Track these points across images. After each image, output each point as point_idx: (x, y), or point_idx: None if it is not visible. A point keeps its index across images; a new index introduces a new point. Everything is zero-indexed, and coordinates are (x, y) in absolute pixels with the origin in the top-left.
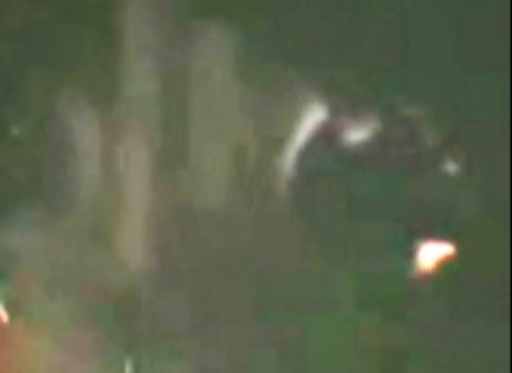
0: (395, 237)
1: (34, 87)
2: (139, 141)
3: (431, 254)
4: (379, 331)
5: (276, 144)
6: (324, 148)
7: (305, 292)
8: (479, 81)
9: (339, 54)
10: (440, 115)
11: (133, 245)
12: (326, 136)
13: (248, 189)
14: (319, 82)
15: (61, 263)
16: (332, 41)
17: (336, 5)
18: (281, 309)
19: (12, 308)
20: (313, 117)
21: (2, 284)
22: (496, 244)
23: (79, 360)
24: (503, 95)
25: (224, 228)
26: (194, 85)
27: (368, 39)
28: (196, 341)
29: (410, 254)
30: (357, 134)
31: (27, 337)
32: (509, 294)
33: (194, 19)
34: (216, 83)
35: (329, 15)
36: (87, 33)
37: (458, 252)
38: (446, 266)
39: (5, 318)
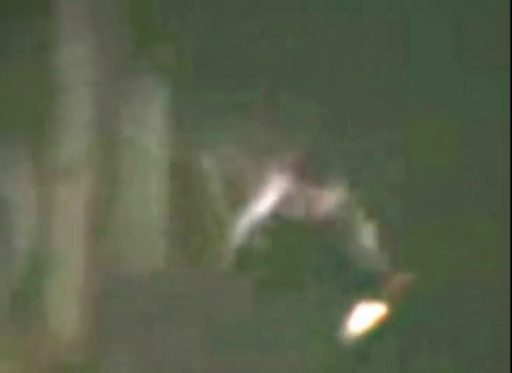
0: (336, 298)
1: None
2: (73, 199)
3: (364, 314)
4: None
5: (219, 207)
6: (279, 217)
7: (252, 349)
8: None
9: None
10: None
11: (66, 314)
12: (283, 206)
13: (186, 252)
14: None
15: None
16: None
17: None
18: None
19: None
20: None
21: None
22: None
23: None
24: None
25: (162, 292)
26: (126, 145)
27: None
28: None
29: (346, 314)
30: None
31: None
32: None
33: (129, 73)
34: (148, 143)
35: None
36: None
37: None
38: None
39: None
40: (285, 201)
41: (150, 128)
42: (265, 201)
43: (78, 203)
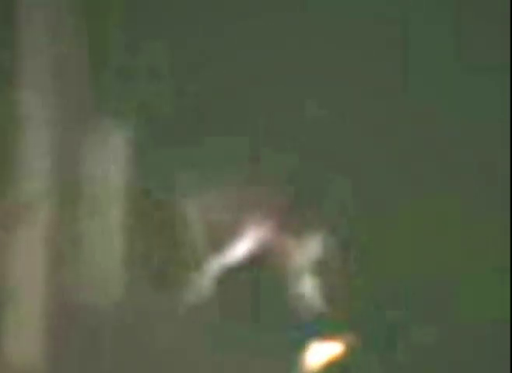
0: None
1: None
2: (32, 236)
3: (320, 352)
4: None
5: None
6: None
7: None
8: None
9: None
10: None
11: (22, 345)
12: (259, 253)
13: (150, 282)
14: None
15: None
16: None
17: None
18: None
19: None
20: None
21: None
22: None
23: None
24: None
25: (125, 321)
26: (87, 187)
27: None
28: None
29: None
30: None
31: None
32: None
33: (93, 111)
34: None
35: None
36: None
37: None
38: None
39: None
40: (262, 249)
41: (113, 165)
42: (241, 248)
43: (38, 238)
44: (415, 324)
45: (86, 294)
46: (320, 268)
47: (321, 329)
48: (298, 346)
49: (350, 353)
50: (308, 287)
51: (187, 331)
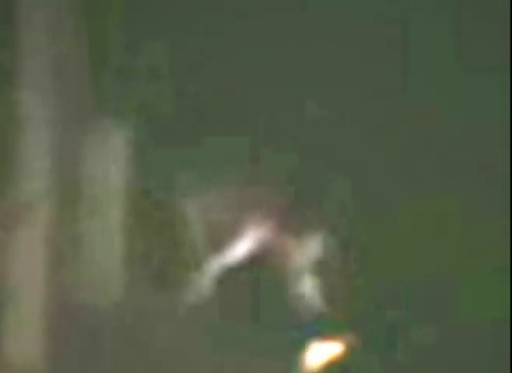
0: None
1: None
2: (32, 236)
3: (320, 352)
4: None
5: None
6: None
7: None
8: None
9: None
10: None
11: (22, 345)
12: (254, 259)
13: (149, 282)
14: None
15: None
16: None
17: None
18: None
19: None
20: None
21: None
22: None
23: None
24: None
25: (125, 321)
26: (87, 186)
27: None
28: None
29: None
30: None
31: None
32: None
33: (93, 111)
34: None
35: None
36: None
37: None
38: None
39: None
40: (262, 249)
41: (113, 165)
42: (241, 248)
43: (38, 238)
44: (415, 324)
45: (86, 294)
46: (320, 268)
47: (321, 329)
48: (298, 346)
49: (350, 353)
50: (308, 287)
51: (187, 331)
